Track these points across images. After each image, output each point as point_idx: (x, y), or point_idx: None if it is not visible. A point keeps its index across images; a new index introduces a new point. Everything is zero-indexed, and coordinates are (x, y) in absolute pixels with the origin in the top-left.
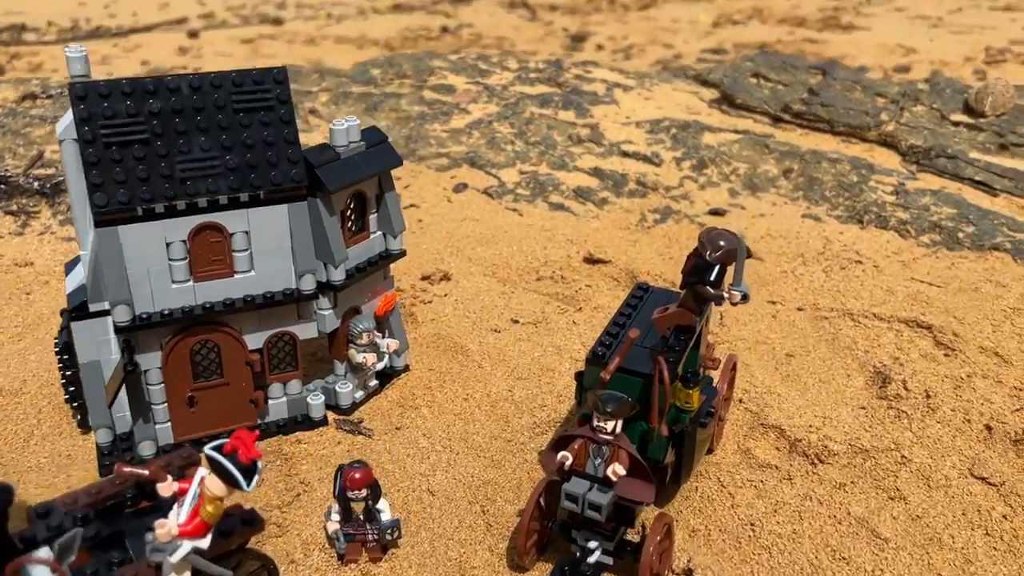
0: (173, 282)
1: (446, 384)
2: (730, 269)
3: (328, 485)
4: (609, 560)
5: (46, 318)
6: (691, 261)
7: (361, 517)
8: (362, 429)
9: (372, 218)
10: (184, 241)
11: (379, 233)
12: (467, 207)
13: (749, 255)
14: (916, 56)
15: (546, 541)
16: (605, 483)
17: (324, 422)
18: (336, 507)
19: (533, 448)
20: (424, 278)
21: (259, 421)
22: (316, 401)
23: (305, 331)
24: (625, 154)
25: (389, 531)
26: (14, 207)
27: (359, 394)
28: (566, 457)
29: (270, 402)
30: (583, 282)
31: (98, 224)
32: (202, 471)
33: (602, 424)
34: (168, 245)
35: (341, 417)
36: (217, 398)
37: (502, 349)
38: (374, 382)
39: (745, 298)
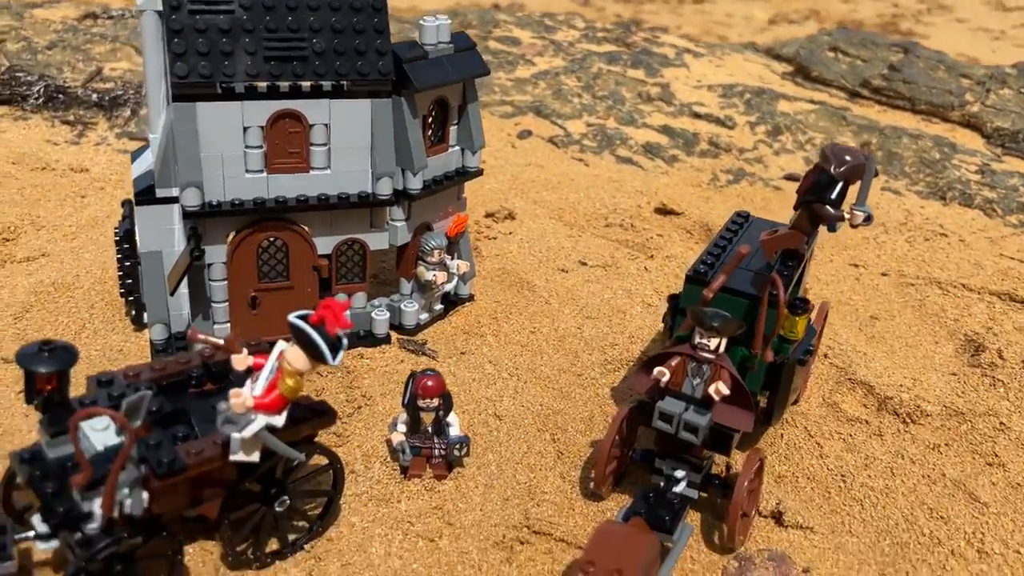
0: (247, 171)
1: (512, 316)
2: (851, 189)
3: (390, 400)
4: (694, 493)
5: (100, 221)
6: (810, 178)
7: (429, 429)
8: (426, 350)
9: (452, 130)
10: (262, 127)
11: (457, 148)
12: (531, 154)
13: (876, 174)
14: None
15: (622, 472)
16: (703, 404)
17: (387, 340)
18: (403, 417)
19: (605, 384)
20: (488, 215)
21: None
22: (381, 317)
23: (376, 241)
24: (696, 115)
25: (457, 447)
26: (71, 117)
27: (424, 316)
28: (663, 373)
29: None
30: (654, 231)
31: (176, 98)
32: (281, 344)
33: (704, 341)
34: (245, 130)
35: (405, 337)
36: (280, 302)
37: (570, 288)
38: (439, 306)
39: (868, 220)
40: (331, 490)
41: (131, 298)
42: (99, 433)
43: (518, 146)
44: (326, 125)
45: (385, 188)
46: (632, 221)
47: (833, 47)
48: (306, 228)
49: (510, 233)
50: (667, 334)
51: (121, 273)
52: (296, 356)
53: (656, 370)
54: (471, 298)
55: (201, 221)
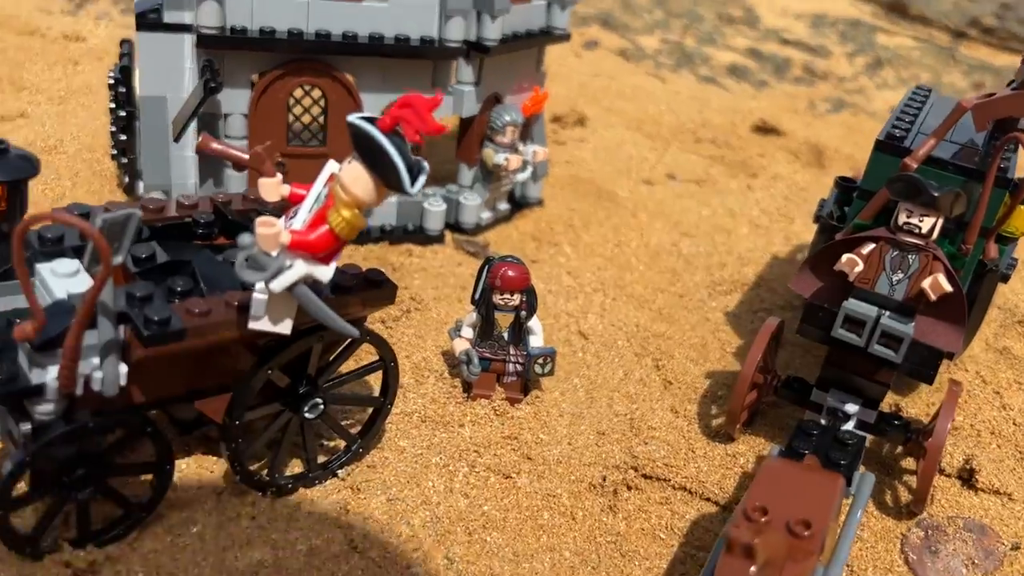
0: None
1: (591, 226)
2: None
3: (445, 306)
4: (864, 436)
5: (94, 88)
6: None
7: (504, 336)
8: (488, 254)
9: None
10: None
11: (543, 2)
12: (599, 64)
13: None
14: None
15: (756, 409)
16: (905, 309)
17: (440, 239)
18: (471, 319)
19: (715, 307)
20: (555, 119)
21: None
22: (436, 209)
23: None
24: (785, 41)
25: (540, 360)
26: None
27: (486, 215)
28: (854, 262)
29: None
30: (754, 150)
31: None
32: (332, 165)
33: (915, 221)
34: None
35: (463, 236)
36: (312, 173)
37: (659, 202)
38: (504, 205)
39: None
40: (379, 397)
41: (124, 160)
42: (63, 279)
43: (583, 56)
44: None
45: (456, 31)
46: (726, 139)
47: None
48: (351, 78)
49: (581, 140)
50: (822, 232)
51: (114, 129)
52: (356, 177)
53: (845, 258)
54: (540, 203)
55: (219, 53)
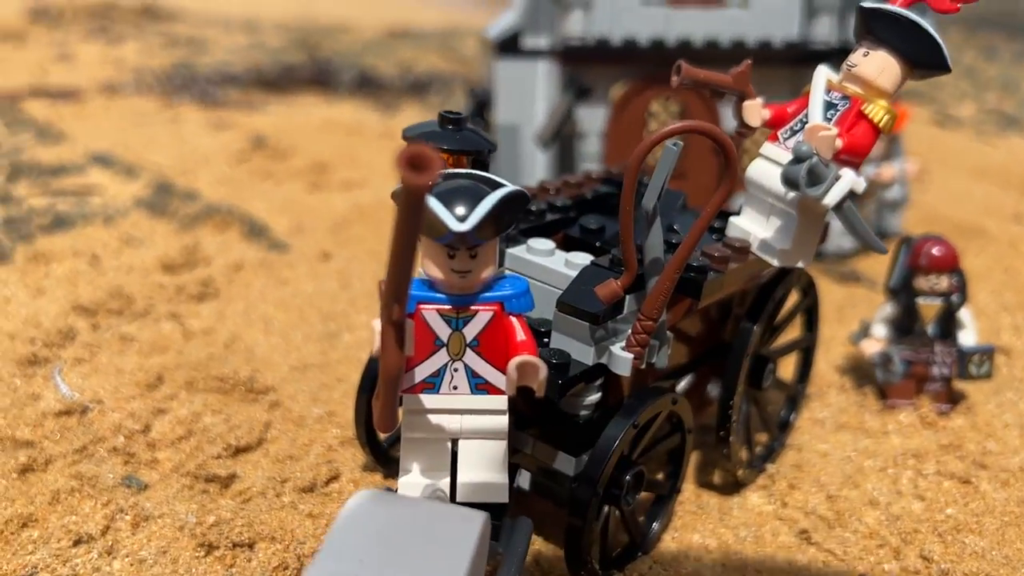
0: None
1: (968, 256)
2: None
3: (830, 327)
4: None
5: None
6: None
7: (927, 331)
8: (862, 276)
9: None
10: None
11: None
12: (917, 132)
13: None
14: None
15: None
16: None
17: None
18: (886, 311)
19: None
20: None
21: None
22: None
23: None
24: None
25: (976, 359)
26: (380, 104)
27: (848, 244)
28: None
29: None
30: None
31: None
32: (824, 70)
33: None
34: None
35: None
36: None
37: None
38: None
39: None
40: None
41: None
42: (543, 257)
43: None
44: None
45: (823, 30)
46: None
47: None
48: None
49: (922, 190)
50: None
51: None
52: (883, 67)
53: None
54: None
55: (581, 70)
